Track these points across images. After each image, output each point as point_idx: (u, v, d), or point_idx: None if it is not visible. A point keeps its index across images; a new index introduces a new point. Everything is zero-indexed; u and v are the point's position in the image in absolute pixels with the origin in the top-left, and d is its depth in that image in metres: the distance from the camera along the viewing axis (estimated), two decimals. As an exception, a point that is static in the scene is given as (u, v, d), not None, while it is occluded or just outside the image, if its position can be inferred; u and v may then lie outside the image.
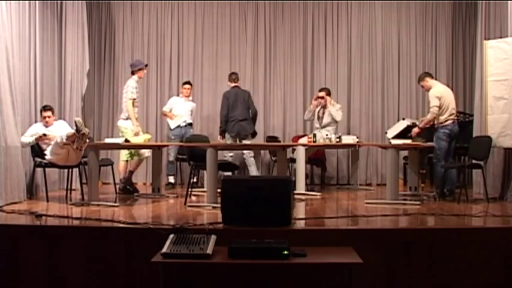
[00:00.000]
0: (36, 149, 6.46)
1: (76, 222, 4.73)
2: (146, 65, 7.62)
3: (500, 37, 6.78)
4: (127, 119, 7.20)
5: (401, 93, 9.21)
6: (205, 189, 6.52)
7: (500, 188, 6.69)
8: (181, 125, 8.24)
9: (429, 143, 6.80)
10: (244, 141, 8.01)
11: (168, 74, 9.23)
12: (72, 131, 5.92)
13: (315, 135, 7.67)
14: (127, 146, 6.73)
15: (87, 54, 8.34)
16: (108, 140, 6.84)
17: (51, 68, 7.69)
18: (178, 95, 8.55)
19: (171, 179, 8.41)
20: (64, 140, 5.83)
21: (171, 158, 8.35)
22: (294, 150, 7.84)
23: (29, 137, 6.42)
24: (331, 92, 8.47)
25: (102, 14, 9.21)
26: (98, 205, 5.85)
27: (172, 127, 8.30)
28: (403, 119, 7.64)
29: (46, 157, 6.22)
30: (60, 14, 7.95)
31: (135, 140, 6.81)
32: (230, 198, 4.39)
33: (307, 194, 7.15)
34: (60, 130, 6.44)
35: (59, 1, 7.91)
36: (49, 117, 6.67)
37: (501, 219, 5.01)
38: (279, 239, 3.81)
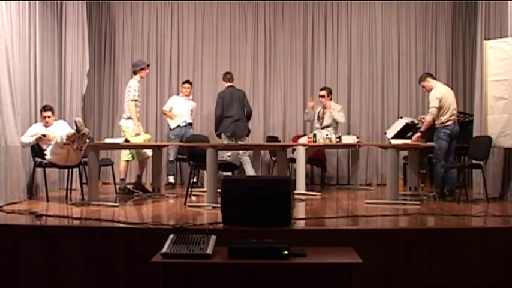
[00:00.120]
0: (36, 149, 6.46)
1: (76, 222, 4.73)
2: (148, 65, 7.62)
3: (500, 37, 6.78)
4: (128, 118, 7.20)
5: (401, 93, 9.21)
6: (205, 189, 6.52)
7: (500, 188, 6.69)
8: (181, 125, 8.24)
9: (429, 143, 6.80)
10: (240, 141, 8.02)
11: (168, 74, 9.23)
12: (72, 131, 5.92)
13: (315, 135, 7.67)
14: (127, 146, 6.73)
15: (87, 54, 8.34)
16: (108, 140, 6.84)
17: (51, 68, 7.69)
18: (178, 94, 8.55)
19: (171, 179, 8.41)
20: (64, 140, 5.83)
21: (171, 158, 8.35)
22: (294, 150, 7.84)
23: (29, 137, 6.42)
24: (331, 92, 8.48)
25: (102, 14, 9.21)
26: (98, 205, 5.85)
27: (172, 127, 8.31)
28: (401, 118, 7.63)
29: (46, 157, 6.22)
30: (60, 14, 7.95)
31: (135, 140, 6.81)
32: (230, 198, 4.39)
33: (307, 194, 7.15)
34: (60, 130, 6.44)
35: (59, 1, 7.91)
36: (49, 117, 6.67)
37: (501, 219, 5.01)
38: (279, 239, 3.81)
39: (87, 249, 4.31)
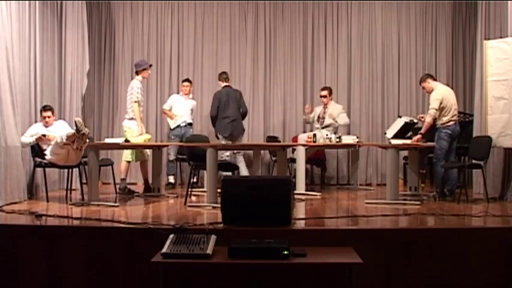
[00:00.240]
0: (36, 149, 6.46)
1: (76, 222, 4.73)
2: (150, 65, 7.61)
3: (500, 37, 6.78)
4: (131, 119, 7.20)
5: (401, 93, 9.21)
6: (205, 189, 6.52)
7: (500, 188, 6.70)
8: (181, 125, 8.24)
9: (429, 143, 6.80)
10: (236, 141, 8.03)
11: (168, 74, 9.23)
12: (72, 131, 5.92)
13: (315, 135, 7.67)
14: (127, 146, 6.73)
15: (87, 54, 8.34)
16: (108, 140, 6.84)
17: (51, 68, 7.69)
18: (178, 93, 8.55)
19: (171, 179, 8.41)
20: (64, 140, 5.83)
21: (171, 158, 8.35)
22: (294, 150, 7.84)
23: (29, 137, 6.41)
24: (332, 92, 8.49)
25: (102, 14, 9.21)
26: (98, 205, 5.85)
27: (172, 127, 8.31)
28: (400, 117, 7.63)
29: (46, 157, 6.22)
30: (60, 14, 7.95)
31: (135, 140, 6.81)
32: (230, 198, 4.39)
33: (307, 194, 7.15)
34: (60, 130, 6.44)
35: (59, 1, 7.91)
36: (49, 117, 6.67)
37: (501, 219, 5.01)
38: (279, 239, 3.81)
39: (87, 249, 4.31)
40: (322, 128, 8.18)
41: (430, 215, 5.29)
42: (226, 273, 4.11)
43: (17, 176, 6.16)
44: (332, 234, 4.31)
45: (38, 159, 6.40)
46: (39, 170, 6.50)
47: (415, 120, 7.29)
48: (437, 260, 4.28)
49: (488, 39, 6.91)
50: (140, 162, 7.34)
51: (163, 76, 9.21)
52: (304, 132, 8.57)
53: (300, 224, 4.62)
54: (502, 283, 4.31)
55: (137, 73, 7.34)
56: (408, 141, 6.85)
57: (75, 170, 6.92)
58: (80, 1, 8.21)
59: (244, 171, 7.89)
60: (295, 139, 8.56)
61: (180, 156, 8.23)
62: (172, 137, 8.27)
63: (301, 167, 7.42)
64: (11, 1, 6.27)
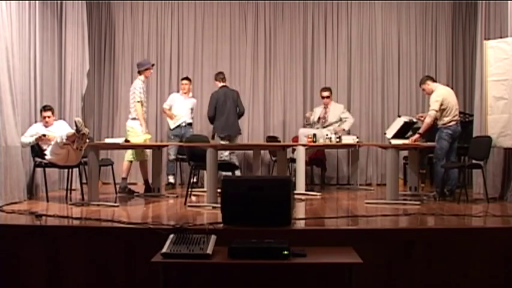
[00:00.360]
0: (36, 149, 6.46)
1: (76, 222, 4.73)
2: (153, 65, 7.61)
3: (500, 37, 6.78)
4: (134, 119, 7.20)
5: (401, 93, 9.21)
6: (205, 189, 6.52)
7: (500, 188, 6.70)
8: (181, 125, 8.24)
9: (429, 143, 6.79)
10: (233, 141, 8.05)
11: (168, 74, 9.23)
12: (72, 131, 5.92)
13: (315, 135, 7.66)
14: (127, 146, 6.73)
15: (87, 54, 8.34)
16: (108, 140, 6.84)
17: (51, 68, 7.69)
18: (178, 92, 8.54)
19: (171, 179, 8.41)
20: (64, 140, 5.83)
21: (171, 157, 8.35)
22: (294, 150, 7.84)
23: (29, 137, 6.41)
24: (331, 92, 8.50)
25: (102, 14, 9.21)
26: (98, 205, 5.85)
27: (172, 127, 8.31)
28: (399, 116, 7.63)
29: (46, 157, 6.22)
30: (60, 14, 7.95)
31: (135, 140, 6.81)
32: (230, 198, 4.39)
33: (307, 194, 7.15)
34: (60, 130, 6.44)
35: (59, 1, 7.91)
36: (49, 117, 6.67)
37: (501, 219, 5.01)
38: (279, 239, 3.81)
39: (87, 249, 4.31)
40: (325, 127, 8.18)
41: (430, 215, 5.29)
42: (226, 273, 4.11)
43: (17, 176, 6.16)
44: (332, 234, 4.31)
45: (38, 159, 6.40)
46: (39, 170, 6.50)
47: (415, 120, 7.29)
48: (437, 260, 4.27)
49: (488, 39, 6.91)
50: (140, 163, 7.33)
51: (163, 76, 9.21)
52: (305, 126, 8.53)
53: (300, 224, 4.62)
54: (502, 283, 4.30)
55: (139, 73, 7.33)
56: (408, 141, 6.84)
57: (75, 170, 6.92)
58: (80, 1, 8.21)
59: (236, 171, 7.90)
60: (295, 139, 8.56)
61: (180, 156, 8.23)
62: (172, 137, 8.27)
63: (301, 167, 7.42)
64: (11, 1, 6.26)
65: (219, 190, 5.09)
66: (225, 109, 7.96)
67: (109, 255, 4.28)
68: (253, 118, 9.19)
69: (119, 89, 9.14)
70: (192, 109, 8.41)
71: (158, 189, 7.16)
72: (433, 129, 6.86)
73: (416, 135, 6.75)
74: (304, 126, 8.50)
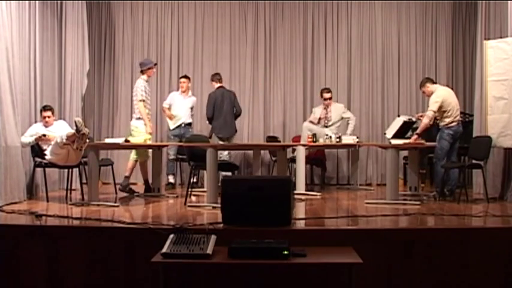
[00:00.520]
0: (36, 149, 6.46)
1: (76, 222, 4.73)
2: (155, 64, 7.61)
3: (500, 37, 6.78)
4: (138, 119, 7.20)
5: (401, 93, 9.21)
6: (205, 189, 6.52)
7: (500, 188, 6.70)
8: (180, 125, 8.23)
9: (429, 143, 6.79)
10: (229, 141, 8.06)
11: (168, 74, 9.23)
12: (72, 131, 5.92)
13: (314, 135, 7.67)
14: (127, 146, 6.72)
15: (87, 54, 8.34)
16: (108, 140, 6.84)
17: (51, 68, 7.69)
18: (178, 90, 8.52)
19: (171, 179, 8.41)
20: (64, 140, 5.83)
21: (171, 157, 8.35)
22: (294, 150, 7.84)
23: (29, 137, 6.41)
24: (331, 92, 8.50)
25: (102, 14, 9.21)
26: (98, 205, 5.85)
27: (171, 127, 8.30)
28: (398, 116, 7.63)
29: (46, 157, 6.22)
30: (60, 14, 7.95)
31: (135, 140, 6.81)
32: (230, 198, 4.39)
33: (307, 194, 7.15)
34: (60, 130, 6.44)
35: (59, 1, 7.91)
36: (49, 117, 6.67)
37: (501, 219, 5.01)
38: (279, 239, 3.81)
39: (87, 249, 4.31)
40: (327, 126, 8.19)
41: (430, 215, 5.29)
42: (226, 273, 4.11)
43: (17, 176, 6.16)
44: (332, 234, 4.31)
45: (38, 159, 6.40)
46: (39, 170, 6.50)
47: (414, 119, 7.29)
48: (437, 260, 4.27)
49: (488, 39, 6.91)
50: (140, 163, 7.33)
51: (163, 76, 9.21)
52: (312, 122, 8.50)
53: (300, 224, 4.62)
54: (502, 283, 4.31)
55: (142, 72, 7.33)
56: (406, 141, 6.83)
57: (75, 170, 6.93)
58: (80, 1, 8.21)
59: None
60: (295, 139, 8.56)
61: (180, 156, 8.23)
62: (172, 137, 8.27)
63: (301, 167, 7.42)
64: (11, 1, 6.27)
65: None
66: (222, 109, 7.97)
67: (109, 255, 4.28)
68: (253, 118, 9.20)
69: (119, 89, 9.14)
70: (192, 108, 8.40)
71: (158, 189, 7.16)
72: (432, 130, 6.86)
73: (415, 136, 6.74)
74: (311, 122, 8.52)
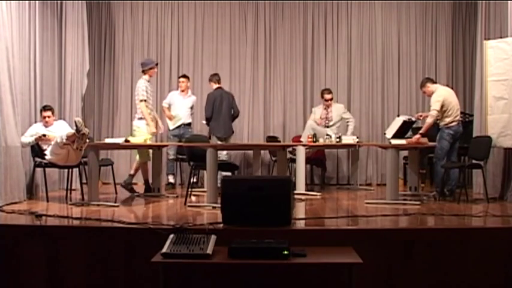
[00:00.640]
0: (36, 149, 6.46)
1: (76, 222, 4.73)
2: (157, 64, 7.60)
3: (500, 37, 6.78)
4: (140, 119, 7.20)
5: (401, 93, 9.21)
6: (205, 189, 6.52)
7: (500, 188, 6.69)
8: (180, 125, 8.23)
9: (430, 143, 6.78)
10: (226, 141, 8.07)
11: (168, 74, 9.23)
12: (72, 131, 5.92)
13: (315, 135, 7.67)
14: (127, 146, 6.72)
15: (87, 54, 8.34)
16: (108, 140, 6.84)
17: (51, 68, 7.69)
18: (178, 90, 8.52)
19: (171, 179, 8.41)
20: (64, 140, 5.83)
21: (171, 157, 8.35)
22: (294, 150, 7.84)
23: (29, 137, 6.41)
24: (332, 93, 8.51)
25: (102, 14, 9.21)
26: (98, 205, 5.85)
27: (171, 128, 8.30)
28: (398, 116, 7.63)
29: (46, 157, 6.22)
30: (60, 14, 7.95)
31: (135, 140, 6.81)
32: (230, 198, 4.39)
33: (307, 194, 7.15)
34: (60, 130, 6.44)
35: (59, 1, 7.91)
36: (49, 117, 6.67)
37: (501, 219, 5.01)
38: (279, 239, 3.81)
39: (87, 249, 4.31)
40: (328, 127, 8.19)
41: (430, 215, 5.29)
42: (226, 273, 4.11)
43: (17, 176, 6.16)
44: (332, 234, 4.31)
45: (38, 159, 6.40)
46: (39, 170, 6.50)
47: (414, 119, 7.28)
48: (437, 260, 4.27)
49: (488, 39, 6.91)
50: (140, 163, 7.33)
51: (163, 76, 9.21)
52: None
53: (300, 224, 4.62)
54: (502, 283, 4.31)
55: (144, 72, 7.32)
56: (413, 140, 6.79)
57: (75, 170, 6.92)
58: (80, 1, 8.21)
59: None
60: (295, 139, 8.56)
61: (180, 156, 8.23)
62: (171, 137, 8.27)
63: (301, 167, 7.42)
64: (11, 1, 6.26)
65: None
66: (221, 110, 7.98)
67: (109, 255, 4.28)
68: (253, 118, 9.19)
69: (119, 89, 9.14)
70: (192, 107, 8.39)
71: (158, 189, 7.16)
72: (432, 130, 6.85)
73: (418, 136, 6.73)
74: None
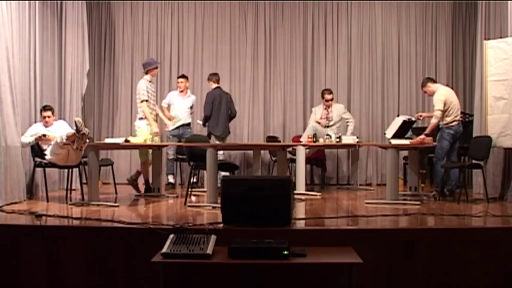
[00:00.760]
0: (36, 149, 6.46)
1: (76, 222, 4.73)
2: (159, 63, 7.59)
3: (500, 37, 6.78)
4: (141, 119, 7.20)
5: (401, 93, 9.21)
6: (205, 189, 6.52)
7: (500, 188, 6.69)
8: (180, 125, 8.23)
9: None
10: (223, 141, 8.09)
11: (168, 74, 9.23)
12: (72, 131, 5.92)
13: (315, 135, 7.66)
14: (127, 146, 6.72)
15: (87, 54, 8.34)
16: (108, 140, 6.84)
17: (51, 68, 7.69)
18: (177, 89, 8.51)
19: (171, 179, 8.40)
20: (64, 140, 5.83)
21: (170, 157, 8.34)
22: (294, 150, 7.84)
23: (29, 137, 6.42)
24: (333, 93, 8.50)
25: (102, 14, 9.21)
26: (98, 205, 5.85)
27: (170, 128, 8.30)
28: (398, 116, 7.63)
29: (46, 157, 6.22)
30: (60, 14, 7.95)
31: (135, 140, 6.81)
32: (230, 198, 4.39)
33: (307, 194, 7.15)
34: (60, 130, 6.44)
35: (59, 1, 7.91)
36: (49, 117, 6.67)
37: (501, 219, 5.01)
38: (279, 239, 3.81)
39: (87, 249, 4.31)
40: (329, 126, 8.19)
41: (430, 215, 5.29)
42: (226, 273, 4.11)
43: (17, 176, 6.16)
44: (332, 234, 4.31)
45: (38, 159, 6.40)
46: (39, 170, 6.50)
47: (413, 119, 7.29)
48: (437, 260, 4.27)
49: (488, 39, 6.91)
50: (141, 163, 7.33)
51: (163, 76, 9.21)
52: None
53: (300, 224, 4.62)
54: (502, 283, 4.30)
55: (146, 72, 7.32)
56: (408, 142, 6.81)
57: (75, 170, 6.93)
58: (80, 1, 8.21)
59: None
60: (295, 139, 8.56)
61: (180, 156, 8.23)
62: (171, 137, 8.26)
63: (301, 167, 7.42)
64: (11, 1, 6.26)
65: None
66: (220, 110, 8.00)
67: (109, 255, 4.28)
68: (253, 118, 9.20)
69: (119, 89, 9.14)
70: (191, 107, 8.39)
71: (158, 189, 7.16)
72: (434, 130, 6.84)
73: (422, 136, 6.71)
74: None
